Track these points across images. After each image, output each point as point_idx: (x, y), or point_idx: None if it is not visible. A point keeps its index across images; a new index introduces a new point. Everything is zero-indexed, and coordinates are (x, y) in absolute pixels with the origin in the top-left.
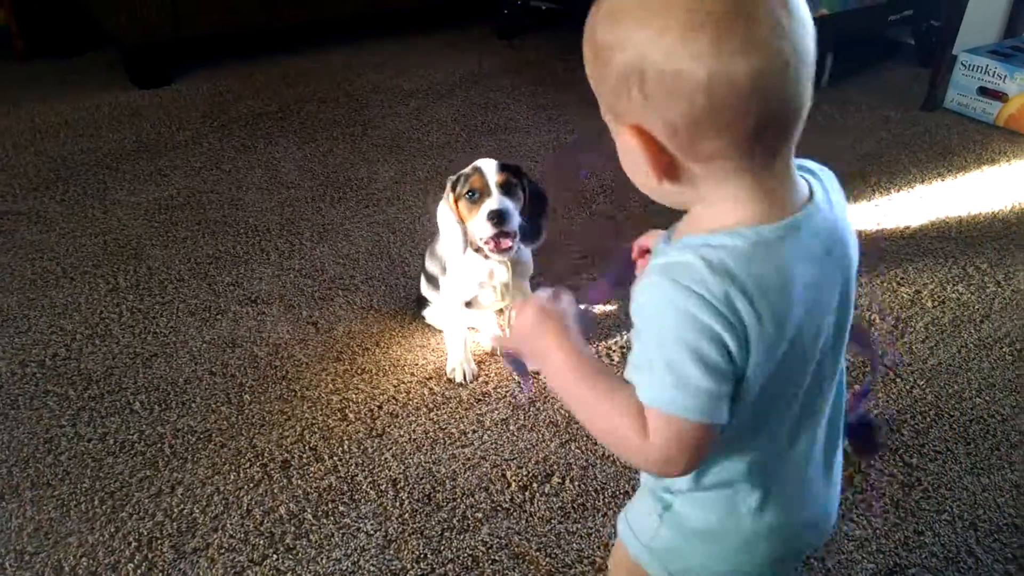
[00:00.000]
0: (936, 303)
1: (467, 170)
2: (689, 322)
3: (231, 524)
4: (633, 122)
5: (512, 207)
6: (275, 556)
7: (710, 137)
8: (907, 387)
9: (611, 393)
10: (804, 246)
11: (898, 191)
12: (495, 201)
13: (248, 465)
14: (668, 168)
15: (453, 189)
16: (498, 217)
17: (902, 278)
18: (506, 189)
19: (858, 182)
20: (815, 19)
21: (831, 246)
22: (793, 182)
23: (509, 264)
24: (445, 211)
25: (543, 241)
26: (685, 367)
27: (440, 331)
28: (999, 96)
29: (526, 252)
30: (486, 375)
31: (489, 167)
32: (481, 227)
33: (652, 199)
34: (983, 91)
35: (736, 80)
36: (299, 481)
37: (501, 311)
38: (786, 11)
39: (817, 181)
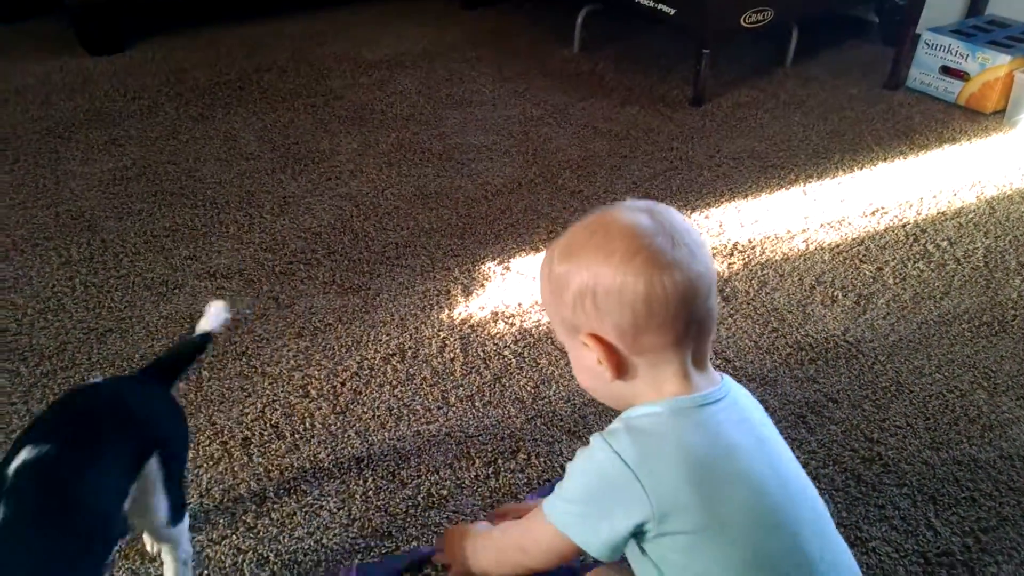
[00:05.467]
0: (897, 280)
1: None
2: (602, 479)
3: (190, 503)
4: (589, 331)
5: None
6: (235, 535)
7: (649, 333)
8: (868, 363)
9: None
10: (724, 411)
11: (861, 168)
12: None
13: (207, 443)
14: (619, 365)
15: None
16: None
17: (864, 255)
18: None
19: (821, 159)
20: None
21: (744, 416)
22: (710, 372)
23: None
24: None
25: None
26: (586, 507)
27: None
28: (961, 75)
29: None
30: (452, 352)
31: None
32: None
33: (603, 401)
34: (945, 70)
35: (666, 289)
36: (260, 459)
37: None
38: (694, 240)
39: (728, 379)
